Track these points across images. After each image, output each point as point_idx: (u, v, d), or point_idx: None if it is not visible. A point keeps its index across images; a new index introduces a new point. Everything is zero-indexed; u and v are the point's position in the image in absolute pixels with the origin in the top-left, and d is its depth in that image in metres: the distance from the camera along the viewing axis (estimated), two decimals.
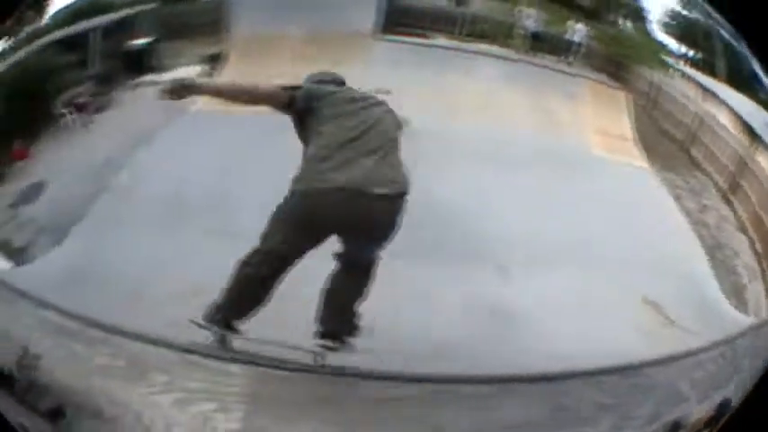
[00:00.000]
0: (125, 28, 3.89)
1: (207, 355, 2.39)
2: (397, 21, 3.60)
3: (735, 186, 4.10)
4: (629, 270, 2.77)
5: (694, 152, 4.70)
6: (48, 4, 4.07)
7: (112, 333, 2.53)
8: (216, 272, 2.63)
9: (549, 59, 4.25)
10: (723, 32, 4.95)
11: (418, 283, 2.64)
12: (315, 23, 3.48)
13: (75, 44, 3.88)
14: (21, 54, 4.13)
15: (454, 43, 3.59)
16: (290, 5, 3.47)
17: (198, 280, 2.67)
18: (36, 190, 3.72)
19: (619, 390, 2.26)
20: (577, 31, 4.50)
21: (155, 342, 2.44)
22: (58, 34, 3.87)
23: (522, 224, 2.98)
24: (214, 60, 3.60)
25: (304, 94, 2.29)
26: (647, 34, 5.43)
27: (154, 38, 3.91)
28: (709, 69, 5.68)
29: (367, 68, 3.41)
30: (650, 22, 5.19)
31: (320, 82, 2.48)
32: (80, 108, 3.76)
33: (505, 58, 3.74)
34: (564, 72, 4.08)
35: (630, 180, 3.71)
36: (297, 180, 1.97)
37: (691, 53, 6.06)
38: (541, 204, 3.16)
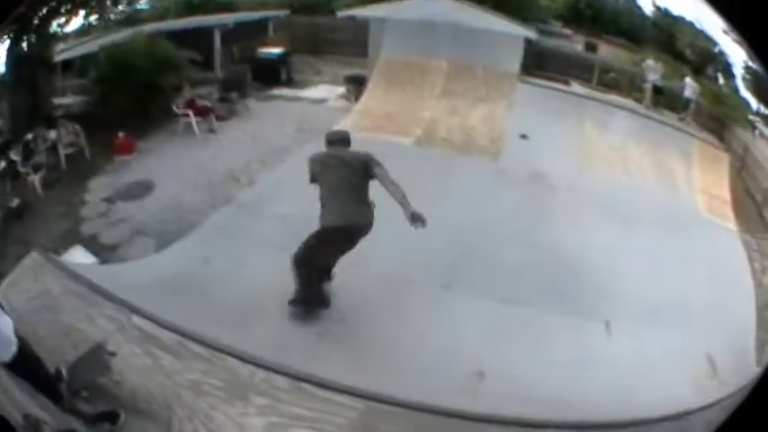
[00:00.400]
0: (253, 32, 3.73)
1: (322, 386, 2.28)
2: (538, 63, 3.57)
3: None
4: (705, 328, 2.91)
5: (766, 214, 4.79)
6: None
7: (223, 352, 2.46)
8: (340, 306, 2.62)
9: (668, 115, 4.28)
10: None
11: (532, 333, 2.71)
12: (462, 58, 3.44)
13: (195, 40, 3.70)
14: (121, 35, 3.92)
15: (589, 92, 3.58)
16: (439, 37, 3.45)
17: (321, 313, 2.60)
18: (140, 189, 3.56)
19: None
20: (688, 86, 4.52)
21: (269, 367, 2.33)
22: (175, 25, 3.68)
23: (631, 282, 3.10)
24: (356, 83, 3.50)
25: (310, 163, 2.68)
26: (736, 91, 5.45)
27: (288, 49, 3.78)
28: None
29: (509, 109, 3.37)
30: (736, 77, 5.20)
31: (330, 141, 2.73)
32: (202, 112, 3.60)
33: (634, 112, 3.75)
34: (680, 130, 4.10)
35: (722, 242, 3.84)
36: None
37: (762, 109, 6.07)
38: (651, 264, 3.31)
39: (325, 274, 2.76)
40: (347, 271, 2.78)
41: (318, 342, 2.55)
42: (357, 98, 3.32)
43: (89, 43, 3.85)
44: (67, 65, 3.84)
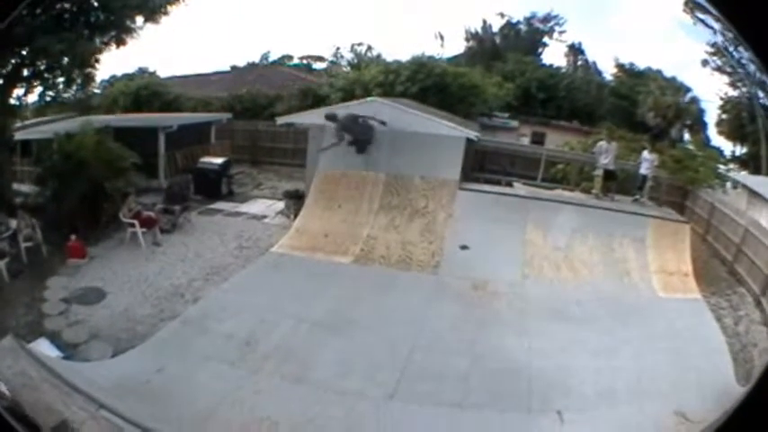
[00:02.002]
0: (196, 138, 3.70)
1: None
2: (481, 165, 3.53)
3: (766, 287, 4.22)
4: (670, 394, 3.00)
5: (738, 269, 4.77)
6: (96, 65, 3.84)
7: None
8: (290, 416, 2.68)
9: (619, 200, 4.22)
10: (760, 92, 5.03)
11: (481, 430, 2.80)
12: (399, 168, 3.40)
13: (139, 139, 3.68)
14: (72, 124, 3.91)
15: (533, 191, 3.55)
16: (378, 145, 3.39)
17: (269, 417, 2.67)
18: (94, 295, 3.63)
19: None
20: (645, 161, 4.46)
21: None
22: (120, 120, 3.66)
23: (583, 374, 3.16)
24: (295, 197, 3.47)
25: None
26: (706, 144, 5.41)
27: (229, 158, 3.75)
28: (754, 163, 5.68)
29: (448, 219, 3.35)
30: (707, 126, 5.13)
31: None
32: (147, 223, 3.60)
33: (581, 205, 3.72)
34: (634, 213, 4.07)
35: (685, 313, 3.88)
36: None
37: (738, 149, 5.97)
38: (602, 352, 3.38)
39: None
40: (293, 380, 2.89)
41: None
42: (296, 214, 3.30)
43: (44, 126, 3.90)
44: (26, 147, 3.90)
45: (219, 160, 3.58)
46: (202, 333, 3.18)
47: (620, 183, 4.12)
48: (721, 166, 5.65)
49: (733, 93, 5.55)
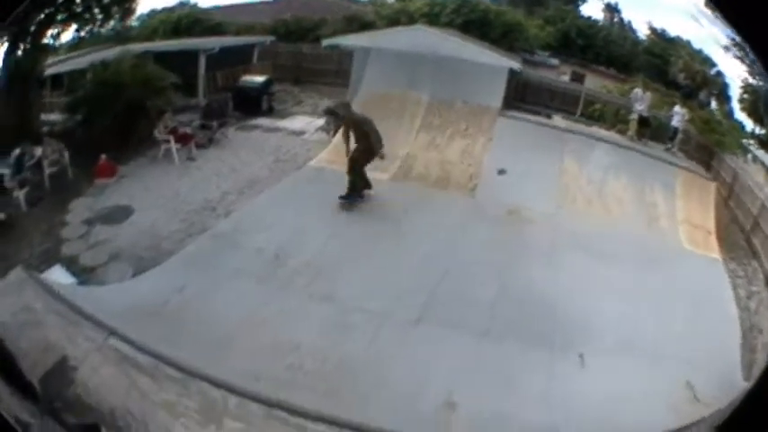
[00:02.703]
0: (238, 59, 3.70)
1: (295, 413, 2.31)
2: (521, 95, 3.54)
3: None
4: (683, 358, 2.96)
5: (754, 240, 4.78)
6: (135, 4, 3.83)
7: (196, 376, 2.49)
8: (314, 334, 2.69)
9: (652, 146, 4.24)
10: None
11: (505, 366, 2.74)
12: (443, 91, 3.42)
13: (180, 63, 3.68)
14: (110, 53, 3.90)
15: (571, 125, 3.56)
16: (422, 69, 3.39)
17: (295, 339, 2.65)
18: (119, 214, 3.59)
19: None
20: (676, 114, 4.47)
21: (241, 393, 2.34)
22: (161, 46, 3.66)
23: (607, 316, 3.12)
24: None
25: None
26: (730, 115, 5.42)
27: (271, 77, 3.75)
28: None
29: (488, 144, 3.36)
30: (732, 99, 5.18)
31: None
32: (183, 139, 3.60)
33: (617, 145, 3.72)
34: (665, 161, 4.08)
35: (705, 273, 3.84)
36: None
37: (758, 129, 6.04)
38: (626, 298, 3.31)
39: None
40: (319, 298, 2.85)
41: (289, 371, 2.56)
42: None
43: (79, 59, 3.86)
44: (57, 80, 3.86)
45: (260, 78, 3.59)
46: (231, 247, 3.14)
47: (653, 131, 4.13)
48: (744, 140, 5.66)
49: (751, 81, 5.54)
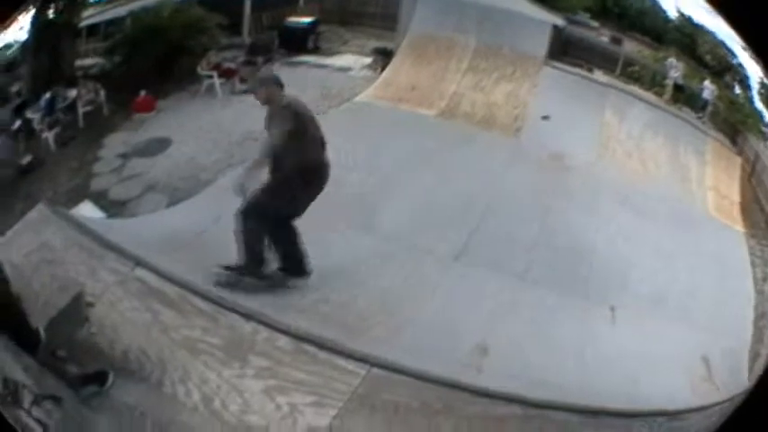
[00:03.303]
0: (283, 1, 3.76)
1: (325, 348, 2.26)
2: (564, 50, 3.61)
3: None
4: (704, 327, 2.94)
5: None
6: None
7: (227, 308, 2.37)
8: (348, 271, 2.66)
9: (686, 112, 4.31)
10: None
11: (539, 312, 2.75)
12: (490, 37, 3.47)
13: (224, 5, 3.72)
14: (149, 1, 3.94)
15: (612, 81, 3.61)
16: (469, 15, 3.43)
17: (329, 270, 2.64)
18: (157, 146, 3.55)
19: (662, 429, 2.43)
20: (706, 89, 4.56)
21: (273, 325, 2.31)
22: None
23: (639, 271, 3.07)
24: (383, 54, 3.53)
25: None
26: (751, 102, 5.52)
27: (316, 18, 3.81)
28: None
29: (533, 89, 3.41)
30: (752, 89, 5.29)
31: None
32: (226, 74, 3.61)
33: (654, 105, 3.78)
34: (697, 128, 4.14)
35: (728, 242, 3.85)
36: None
37: None
38: (659, 256, 3.33)
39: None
40: (359, 228, 2.83)
41: (322, 304, 2.54)
42: (382, 69, 3.35)
43: (117, 9, 3.87)
44: (92, 29, 3.85)
45: (307, 19, 3.64)
46: None
47: (686, 98, 4.21)
48: (764, 129, 5.78)
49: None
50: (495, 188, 3.12)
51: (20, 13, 3.61)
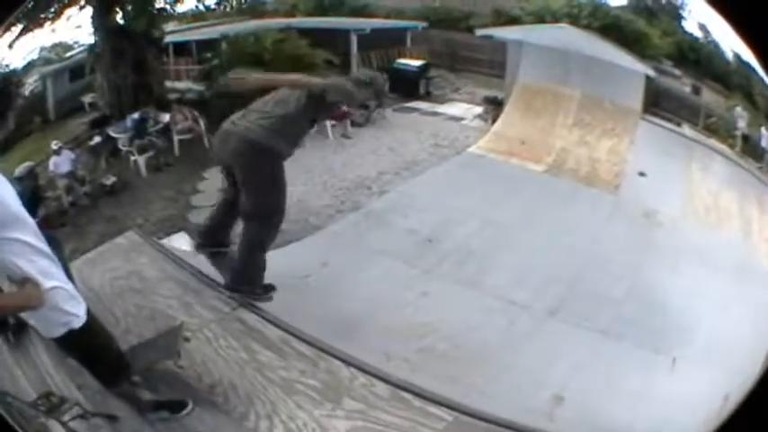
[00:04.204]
0: (390, 41, 3.68)
1: (420, 396, 2.35)
2: (654, 102, 3.73)
3: None
4: (736, 371, 2.91)
5: None
6: None
7: (331, 354, 2.46)
8: (451, 323, 2.73)
9: (751, 163, 4.51)
10: None
11: (615, 363, 2.88)
12: (593, 89, 3.55)
13: (327, 41, 3.62)
14: (246, 26, 3.75)
15: (696, 135, 3.77)
16: (573, 66, 3.43)
17: (429, 323, 2.72)
18: None
19: None
20: (764, 137, 4.77)
21: (373, 373, 2.40)
22: (306, 23, 3.60)
23: (701, 323, 3.18)
24: (494, 104, 3.56)
25: None
26: None
27: (427, 61, 3.77)
28: None
29: (632, 145, 3.54)
30: None
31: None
32: (338, 116, 3.55)
33: (728, 158, 3.96)
34: (758, 179, 4.35)
35: None
36: None
37: None
38: (721, 308, 3.52)
39: None
40: (465, 284, 2.94)
41: (420, 354, 2.62)
42: (494, 119, 3.41)
43: (206, 29, 3.73)
44: (180, 48, 3.71)
45: (418, 62, 3.62)
46: (383, 227, 3.18)
47: (750, 149, 4.39)
48: None
49: None
50: (594, 245, 3.27)
51: (65, 7, 3.48)
